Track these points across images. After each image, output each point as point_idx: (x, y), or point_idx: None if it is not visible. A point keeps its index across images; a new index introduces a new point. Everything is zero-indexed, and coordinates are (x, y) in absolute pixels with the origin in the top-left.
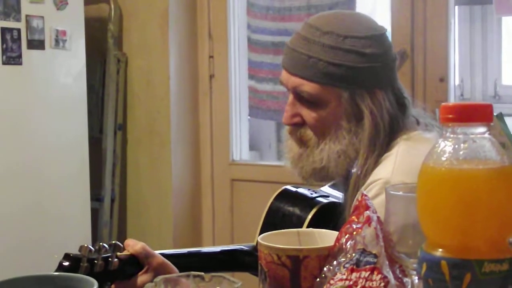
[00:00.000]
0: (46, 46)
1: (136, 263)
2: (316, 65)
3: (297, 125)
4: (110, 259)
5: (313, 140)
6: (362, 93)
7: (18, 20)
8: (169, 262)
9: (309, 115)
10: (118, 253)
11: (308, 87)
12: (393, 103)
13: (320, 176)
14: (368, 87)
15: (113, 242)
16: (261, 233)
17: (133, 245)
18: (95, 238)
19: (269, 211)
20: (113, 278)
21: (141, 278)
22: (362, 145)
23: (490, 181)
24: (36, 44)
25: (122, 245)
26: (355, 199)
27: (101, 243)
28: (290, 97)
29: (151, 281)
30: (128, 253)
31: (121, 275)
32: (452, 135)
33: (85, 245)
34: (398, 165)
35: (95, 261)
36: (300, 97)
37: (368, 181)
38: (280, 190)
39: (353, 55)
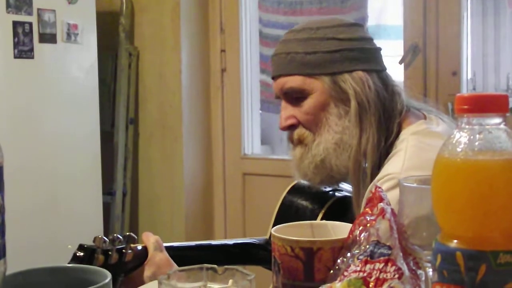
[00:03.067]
0: (58, 40)
1: (147, 256)
2: (294, 58)
3: (293, 127)
4: (124, 250)
5: (309, 137)
6: (343, 75)
7: (30, 13)
8: (171, 260)
9: (299, 111)
10: (132, 245)
11: (291, 82)
12: (379, 85)
13: (325, 172)
14: (348, 69)
15: (127, 233)
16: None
17: (148, 236)
18: (107, 232)
19: (282, 205)
20: (127, 270)
21: (145, 272)
22: (350, 124)
23: (505, 172)
24: (48, 38)
25: (136, 237)
26: (367, 191)
27: (115, 234)
28: (282, 103)
29: (150, 275)
30: (142, 245)
31: (135, 267)
32: (467, 126)
33: (99, 236)
34: (408, 160)
35: (110, 253)
36: (289, 98)
37: (378, 176)
38: (293, 183)
39: (327, 41)
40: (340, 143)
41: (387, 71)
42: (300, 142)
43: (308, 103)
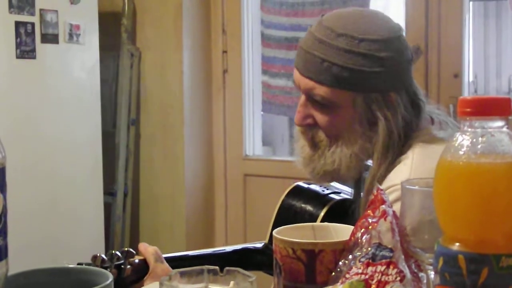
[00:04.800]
0: (60, 40)
1: (147, 268)
2: (330, 69)
3: (309, 126)
4: (122, 266)
5: (325, 142)
6: (377, 98)
7: (32, 14)
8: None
9: (321, 117)
10: (130, 259)
11: (321, 90)
12: (408, 107)
13: (331, 177)
14: (383, 91)
15: (126, 249)
16: (272, 230)
17: (145, 247)
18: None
19: (281, 208)
20: (127, 285)
21: (146, 284)
22: (376, 151)
23: (508, 175)
24: (50, 38)
25: (134, 252)
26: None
27: (113, 251)
28: (302, 98)
29: None
30: (140, 258)
31: (134, 281)
32: (469, 129)
33: (98, 255)
34: (415, 169)
35: (108, 269)
36: (313, 99)
37: (385, 185)
38: (291, 186)
39: (368, 59)
40: (355, 157)
41: (413, 80)
42: (314, 143)
43: (334, 116)
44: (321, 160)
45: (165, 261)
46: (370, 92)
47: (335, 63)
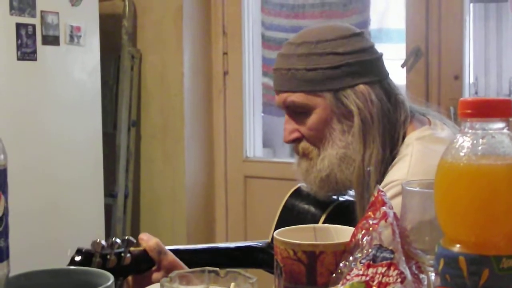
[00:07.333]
0: (61, 42)
1: (148, 258)
2: (295, 75)
3: (297, 141)
4: (122, 254)
5: (314, 151)
6: (345, 91)
7: (33, 16)
8: (180, 261)
9: (304, 126)
10: (131, 248)
11: (294, 96)
12: (382, 97)
13: (330, 186)
14: (350, 84)
15: (126, 237)
16: (275, 230)
17: (147, 240)
18: (109, 234)
19: (284, 209)
20: (126, 274)
21: (154, 275)
22: (354, 139)
23: (508, 177)
24: (51, 40)
25: (134, 241)
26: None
27: (113, 239)
28: (286, 116)
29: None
30: (141, 248)
31: (134, 270)
32: (470, 131)
33: (98, 240)
34: (413, 166)
35: (108, 257)
36: (293, 112)
37: (383, 182)
38: (295, 187)
39: (326, 56)
40: (344, 158)
41: (390, 77)
42: (305, 155)
43: (312, 119)
44: (314, 169)
45: (168, 252)
46: (338, 87)
47: (298, 68)
